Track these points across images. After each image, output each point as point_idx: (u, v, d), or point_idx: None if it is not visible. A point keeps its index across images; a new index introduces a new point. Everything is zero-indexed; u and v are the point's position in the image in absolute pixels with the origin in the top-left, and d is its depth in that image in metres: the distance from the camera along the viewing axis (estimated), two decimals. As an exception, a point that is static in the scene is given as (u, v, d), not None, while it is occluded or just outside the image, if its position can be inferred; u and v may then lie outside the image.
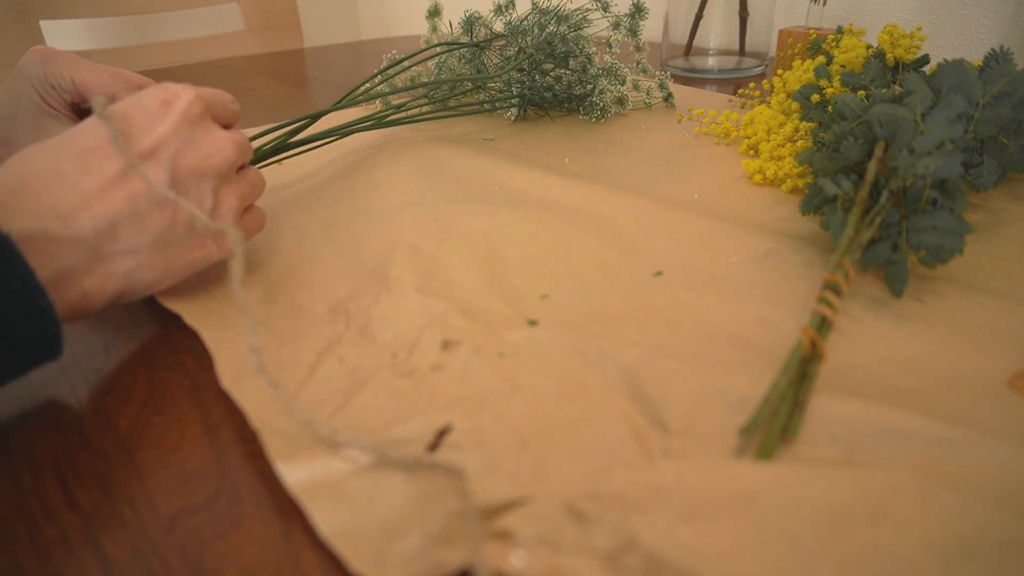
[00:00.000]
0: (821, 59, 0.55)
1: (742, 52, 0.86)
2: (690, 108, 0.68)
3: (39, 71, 0.45)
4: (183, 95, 0.34)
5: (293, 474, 0.25)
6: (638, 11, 0.66)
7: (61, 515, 0.25)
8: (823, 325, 0.30)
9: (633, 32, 0.67)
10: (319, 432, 0.25)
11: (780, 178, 0.48)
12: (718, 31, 0.86)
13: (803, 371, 0.28)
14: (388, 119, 0.59)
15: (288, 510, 0.25)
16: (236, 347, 0.32)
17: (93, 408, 0.31)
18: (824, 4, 0.76)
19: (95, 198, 0.31)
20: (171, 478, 0.27)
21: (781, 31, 0.80)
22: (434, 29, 0.67)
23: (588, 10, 0.64)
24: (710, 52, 0.87)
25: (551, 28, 0.61)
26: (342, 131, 0.55)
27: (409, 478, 0.24)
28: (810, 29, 0.77)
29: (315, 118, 0.52)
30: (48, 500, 0.26)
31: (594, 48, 0.64)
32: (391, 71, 0.64)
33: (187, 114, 0.34)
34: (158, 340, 0.35)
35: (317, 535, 0.23)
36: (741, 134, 0.56)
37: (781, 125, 0.53)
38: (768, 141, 0.52)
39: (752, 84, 0.71)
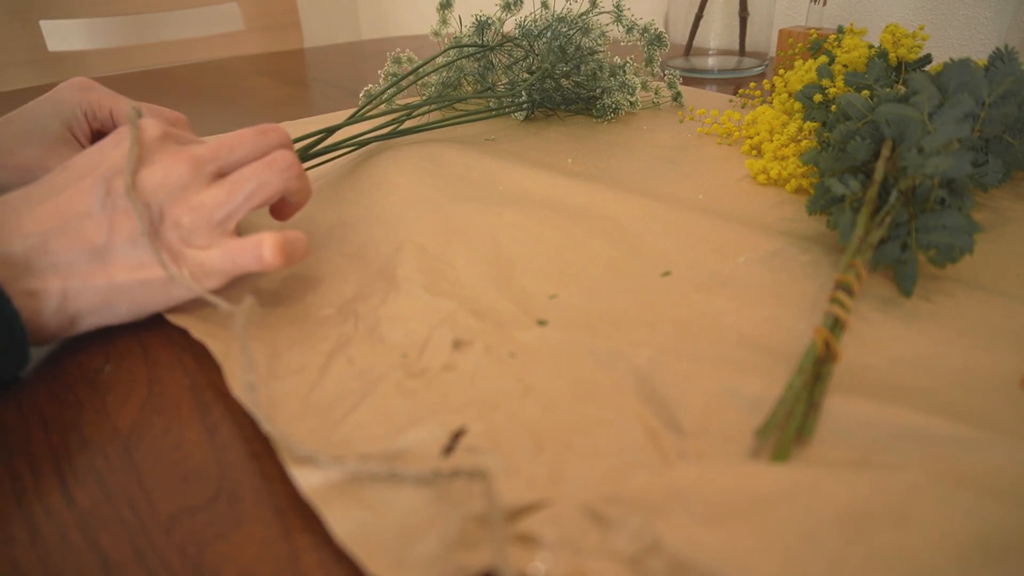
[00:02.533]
0: (823, 59, 0.54)
1: (742, 52, 0.86)
2: (692, 108, 0.67)
3: (76, 97, 0.46)
4: (142, 125, 0.34)
5: (307, 479, 0.24)
6: (658, 40, 0.66)
7: (61, 514, 0.25)
8: (836, 325, 0.30)
9: (650, 60, 0.67)
10: (324, 461, 0.25)
11: (784, 178, 0.48)
12: (718, 31, 0.86)
13: (817, 372, 0.27)
14: (403, 127, 0.58)
15: (288, 510, 0.24)
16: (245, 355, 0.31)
17: (93, 408, 0.30)
18: (824, 4, 0.76)
19: (27, 217, 0.31)
20: (171, 478, 0.26)
21: (781, 31, 0.80)
22: (444, 22, 0.66)
23: (599, 13, 0.63)
24: (710, 52, 0.87)
25: (564, 30, 0.61)
26: (359, 142, 0.55)
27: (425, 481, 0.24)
28: (810, 29, 0.77)
29: (330, 132, 0.52)
30: (48, 499, 0.25)
31: (605, 49, 0.64)
32: (408, 78, 0.64)
33: (140, 139, 0.34)
34: (158, 340, 0.35)
35: (317, 536, 0.23)
36: (743, 134, 0.56)
37: (784, 125, 0.52)
38: (771, 141, 0.52)
39: (752, 84, 0.71)
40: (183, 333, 0.34)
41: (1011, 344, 0.30)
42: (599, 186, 0.48)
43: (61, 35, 1.05)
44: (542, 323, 0.33)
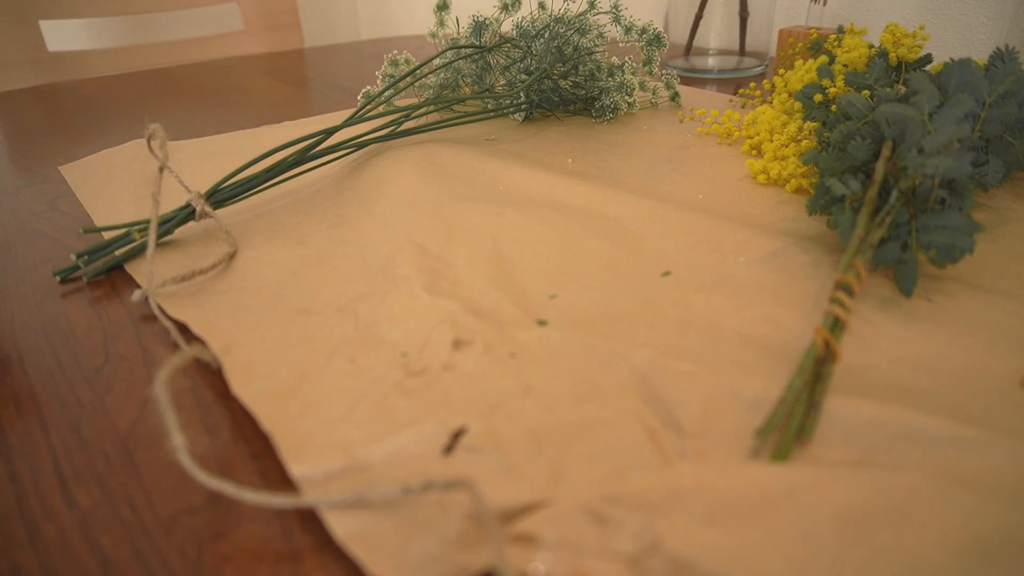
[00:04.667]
0: (824, 59, 0.54)
1: (742, 52, 0.86)
2: (692, 108, 0.67)
3: None
4: None
5: (307, 478, 0.24)
6: (657, 40, 0.66)
7: (61, 515, 0.25)
8: (836, 325, 0.30)
9: (649, 61, 0.67)
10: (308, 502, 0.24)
11: (784, 178, 0.48)
12: (718, 31, 0.86)
13: (817, 372, 0.27)
14: (402, 129, 0.58)
15: (288, 510, 0.24)
16: (246, 354, 0.31)
17: (92, 408, 0.30)
18: (824, 4, 0.76)
19: None
20: (171, 478, 0.26)
21: (781, 31, 0.80)
22: (441, 23, 0.66)
23: (597, 13, 0.63)
24: (710, 52, 0.87)
25: (561, 30, 0.61)
26: (358, 144, 0.55)
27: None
28: (811, 29, 0.77)
29: (329, 133, 0.52)
30: (48, 500, 0.25)
31: (603, 49, 0.64)
32: (406, 80, 0.64)
33: None
34: (158, 340, 0.35)
35: (317, 536, 0.23)
36: (743, 134, 0.56)
37: (784, 125, 0.52)
38: (771, 141, 0.52)
39: (752, 84, 0.71)
40: (184, 334, 0.34)
41: (1012, 344, 0.30)
42: (599, 186, 0.48)
43: (61, 35, 1.04)
44: (542, 323, 0.33)
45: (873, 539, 0.21)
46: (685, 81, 0.83)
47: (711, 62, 0.87)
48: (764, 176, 0.49)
